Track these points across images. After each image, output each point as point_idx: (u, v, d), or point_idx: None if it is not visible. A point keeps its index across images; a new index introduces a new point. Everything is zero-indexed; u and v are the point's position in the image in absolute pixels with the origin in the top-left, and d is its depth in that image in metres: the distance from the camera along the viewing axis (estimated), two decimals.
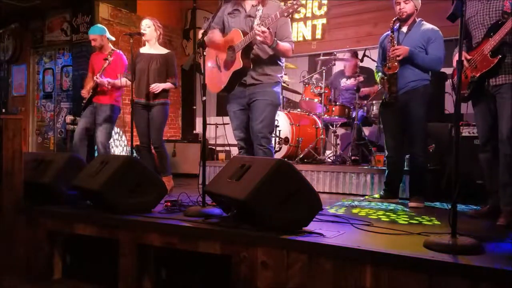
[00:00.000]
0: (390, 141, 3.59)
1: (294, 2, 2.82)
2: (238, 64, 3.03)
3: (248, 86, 3.16)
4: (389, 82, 3.39)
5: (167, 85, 4.07)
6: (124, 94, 5.31)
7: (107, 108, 4.42)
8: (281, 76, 3.28)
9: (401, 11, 3.39)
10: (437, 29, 3.41)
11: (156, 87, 3.98)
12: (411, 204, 3.40)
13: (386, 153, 3.66)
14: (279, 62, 3.22)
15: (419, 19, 3.45)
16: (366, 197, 3.87)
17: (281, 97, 3.29)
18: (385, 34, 3.60)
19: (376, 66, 3.77)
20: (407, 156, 3.72)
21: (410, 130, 3.45)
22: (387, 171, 3.69)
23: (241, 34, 3.02)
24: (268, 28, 2.88)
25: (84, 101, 4.62)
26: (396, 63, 3.33)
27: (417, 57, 3.34)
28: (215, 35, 3.21)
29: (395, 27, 3.48)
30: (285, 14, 2.84)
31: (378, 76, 3.59)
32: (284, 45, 3.07)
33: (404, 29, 3.47)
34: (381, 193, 3.73)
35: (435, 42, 3.37)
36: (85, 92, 4.52)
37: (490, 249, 1.92)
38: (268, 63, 3.16)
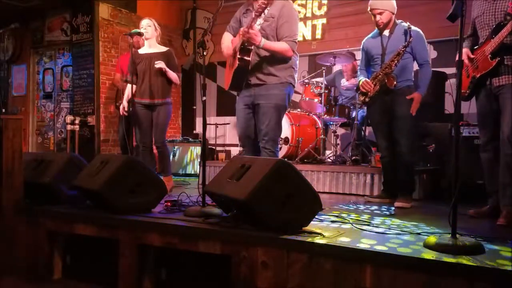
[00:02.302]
0: (382, 142, 3.60)
1: (262, 1, 2.86)
2: (236, 64, 3.06)
3: (252, 86, 3.16)
4: (380, 89, 3.44)
5: (173, 74, 4.04)
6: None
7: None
8: (291, 76, 3.19)
9: (378, 22, 3.47)
10: (418, 29, 3.46)
11: (163, 65, 3.95)
12: (397, 204, 3.38)
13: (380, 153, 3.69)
14: (286, 61, 3.14)
15: (399, 21, 3.50)
16: (366, 197, 3.87)
17: (287, 98, 3.22)
18: (367, 37, 3.66)
19: (359, 69, 3.78)
20: None
21: (396, 129, 3.45)
22: (383, 172, 3.71)
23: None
24: (251, 27, 2.89)
25: (120, 103, 4.78)
26: (395, 82, 3.36)
27: (426, 87, 3.42)
28: (225, 39, 3.27)
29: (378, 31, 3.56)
30: (260, 10, 2.88)
31: (361, 81, 3.61)
32: (275, 45, 3.04)
33: (386, 32, 3.51)
34: (380, 193, 3.73)
35: (421, 45, 3.44)
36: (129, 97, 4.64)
37: (490, 249, 1.92)
38: (272, 62, 3.11)
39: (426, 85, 3.43)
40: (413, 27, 3.39)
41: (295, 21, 3.15)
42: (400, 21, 3.50)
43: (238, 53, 3.03)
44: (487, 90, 2.85)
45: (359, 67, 3.81)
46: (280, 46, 3.05)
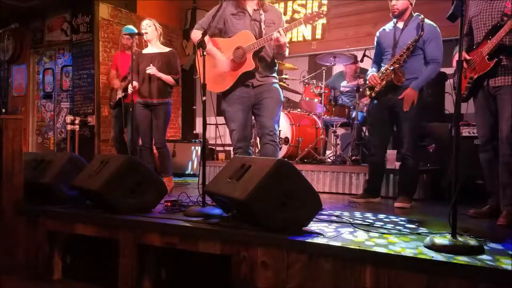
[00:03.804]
0: (375, 140, 3.56)
1: (320, 12, 2.97)
2: (250, 65, 3.06)
3: (254, 87, 3.16)
4: (386, 85, 3.36)
5: (167, 77, 4.04)
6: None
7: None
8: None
9: (393, 7, 3.36)
10: (435, 25, 3.32)
11: (154, 71, 3.97)
12: (397, 204, 3.35)
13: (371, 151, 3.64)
14: (276, 64, 3.32)
15: (416, 14, 3.38)
16: (350, 198, 3.78)
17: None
18: (381, 28, 3.56)
19: (372, 62, 3.67)
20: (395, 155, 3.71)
21: (400, 130, 3.39)
22: (370, 170, 3.66)
23: (253, 36, 3.05)
24: (284, 36, 2.97)
25: (113, 102, 4.79)
26: (403, 78, 3.26)
27: (422, 84, 3.29)
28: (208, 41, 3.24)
29: (393, 22, 3.45)
30: (310, 21, 2.98)
31: (372, 70, 3.53)
32: (287, 50, 3.19)
33: (400, 24, 3.40)
34: (363, 193, 3.69)
35: (433, 41, 3.28)
36: (117, 86, 4.68)
37: (490, 249, 1.92)
38: (270, 65, 3.23)
39: (422, 82, 3.26)
40: (429, 21, 3.26)
41: None
42: (417, 14, 3.36)
43: (252, 56, 3.04)
44: (485, 91, 2.85)
45: (372, 61, 3.69)
46: (287, 52, 3.21)
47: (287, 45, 3.20)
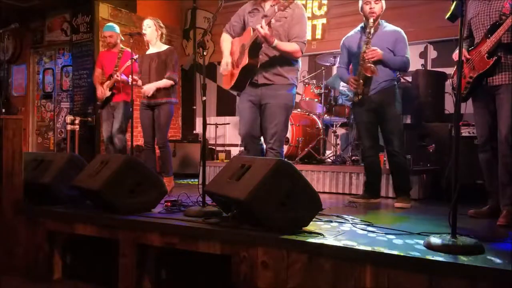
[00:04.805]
0: (367, 141, 3.59)
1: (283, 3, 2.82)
2: (245, 61, 3.02)
3: (260, 86, 3.11)
4: (365, 83, 3.40)
5: (160, 83, 4.00)
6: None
7: (123, 105, 4.60)
8: (296, 78, 3.20)
9: (371, 10, 3.37)
10: (400, 29, 3.45)
11: (148, 89, 3.98)
12: (397, 204, 3.38)
13: (365, 153, 3.67)
14: (293, 63, 3.15)
15: (382, 20, 3.49)
16: (349, 198, 3.78)
17: (294, 99, 3.23)
18: (347, 35, 3.62)
19: (339, 67, 3.72)
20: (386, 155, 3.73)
21: (387, 130, 3.46)
22: (366, 172, 3.70)
23: (252, 32, 3.02)
24: (269, 26, 2.86)
25: (100, 102, 4.76)
26: (376, 67, 3.31)
27: (388, 60, 3.38)
28: (225, 41, 3.26)
29: (361, 28, 3.52)
30: (282, 8, 2.81)
31: (345, 78, 3.59)
32: (286, 45, 3.02)
33: (371, 30, 3.44)
34: (363, 194, 3.71)
35: (401, 43, 3.42)
36: (102, 93, 4.65)
37: (490, 249, 1.92)
38: (281, 62, 3.10)
39: (391, 60, 3.37)
40: (394, 27, 3.42)
41: (306, 23, 3.17)
42: (382, 20, 3.48)
43: (247, 51, 3.00)
44: (484, 91, 2.85)
45: (338, 65, 3.76)
46: (291, 47, 3.04)
47: (302, 41, 3.08)
